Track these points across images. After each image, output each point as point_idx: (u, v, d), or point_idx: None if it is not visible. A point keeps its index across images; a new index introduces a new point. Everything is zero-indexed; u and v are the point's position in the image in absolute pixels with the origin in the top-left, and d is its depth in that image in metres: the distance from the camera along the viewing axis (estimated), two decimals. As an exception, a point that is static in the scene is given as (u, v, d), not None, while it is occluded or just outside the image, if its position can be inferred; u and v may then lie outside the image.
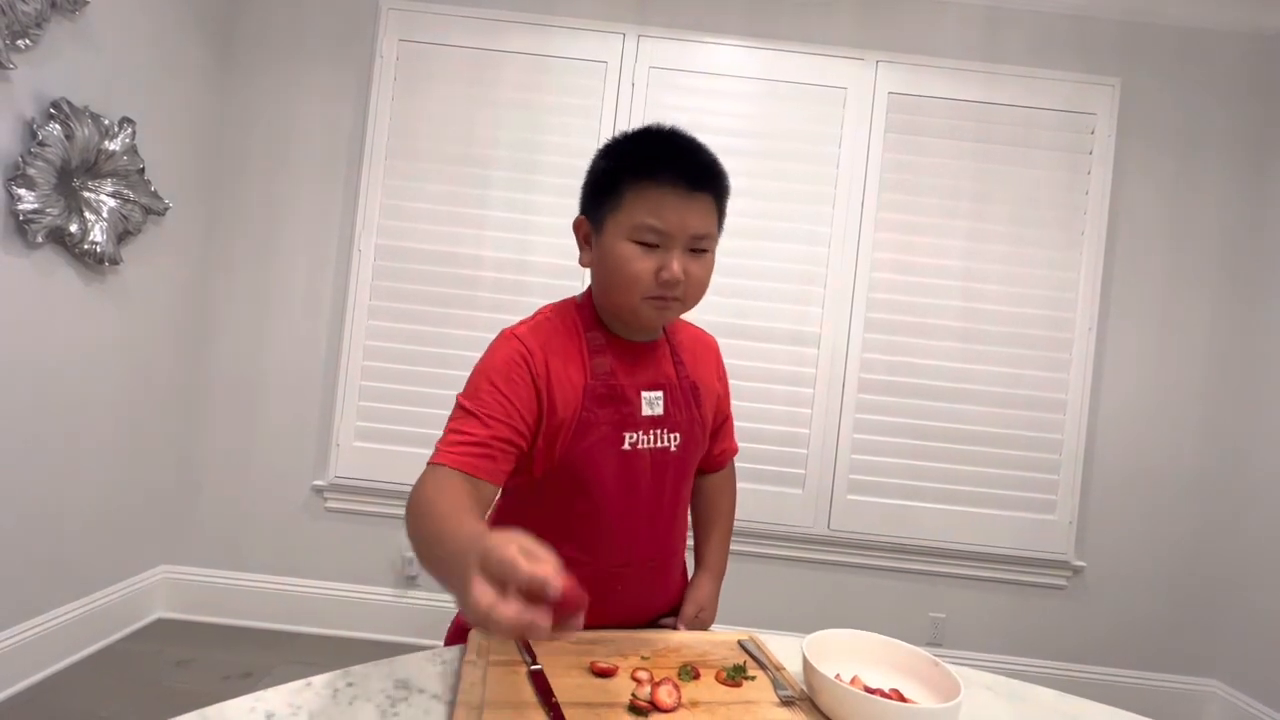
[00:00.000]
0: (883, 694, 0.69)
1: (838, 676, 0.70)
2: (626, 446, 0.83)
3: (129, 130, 1.87)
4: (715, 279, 0.82)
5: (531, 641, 0.77)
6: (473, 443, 0.75)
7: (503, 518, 0.91)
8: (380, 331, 2.27)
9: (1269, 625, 2.12)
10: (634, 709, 0.66)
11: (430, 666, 0.75)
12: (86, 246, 1.79)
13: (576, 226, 0.87)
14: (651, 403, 0.86)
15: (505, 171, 2.27)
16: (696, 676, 0.75)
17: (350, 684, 0.70)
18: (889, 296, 2.27)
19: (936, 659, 0.74)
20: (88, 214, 1.79)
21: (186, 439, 2.29)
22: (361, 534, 2.30)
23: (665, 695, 0.68)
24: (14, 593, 1.75)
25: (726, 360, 1.05)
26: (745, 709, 0.69)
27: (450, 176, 2.27)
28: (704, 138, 0.84)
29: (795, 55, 2.28)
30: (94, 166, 1.80)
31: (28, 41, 1.59)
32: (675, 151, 0.79)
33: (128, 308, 2.00)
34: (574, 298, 0.91)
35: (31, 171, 1.62)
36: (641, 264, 0.78)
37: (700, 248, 0.80)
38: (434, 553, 0.62)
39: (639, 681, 0.71)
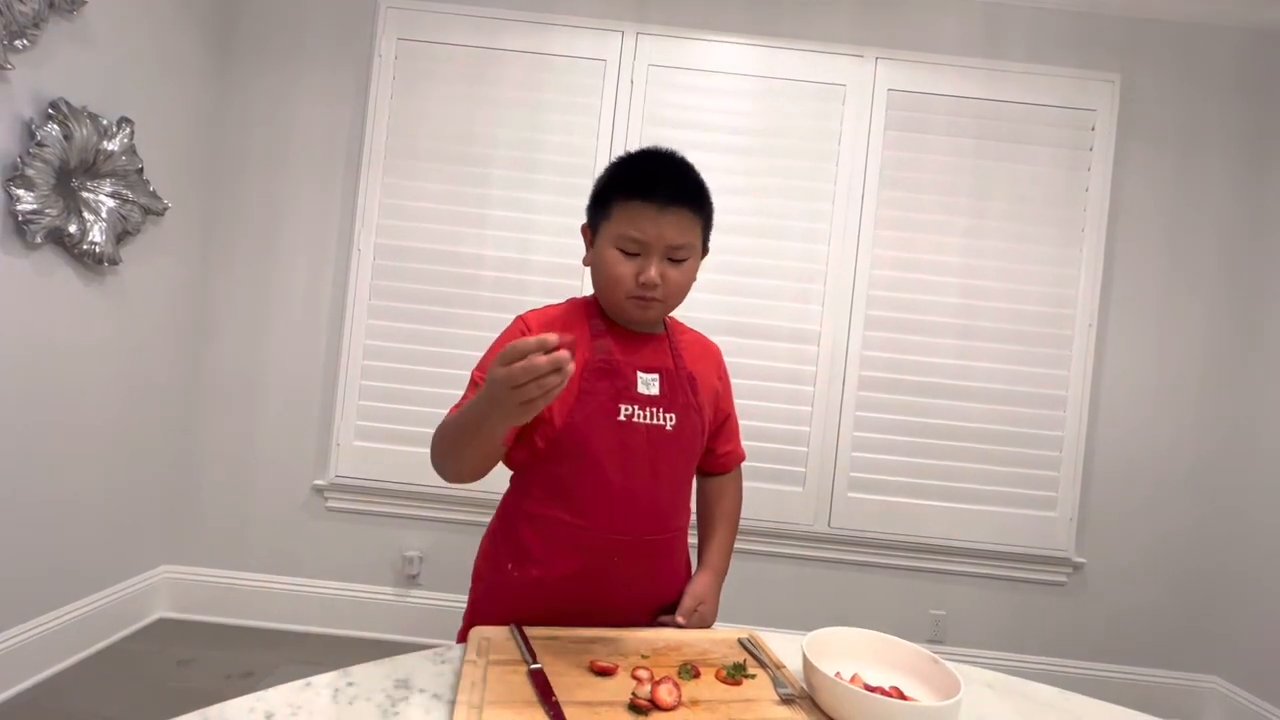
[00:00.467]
0: (883, 692, 0.69)
1: (838, 674, 0.70)
2: (622, 418, 0.90)
3: (127, 130, 1.87)
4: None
5: (531, 641, 0.78)
6: None
7: (511, 489, 1.00)
8: (380, 331, 2.27)
9: (1269, 621, 2.12)
10: (634, 708, 0.66)
11: (430, 666, 0.75)
12: (86, 247, 1.79)
13: (583, 232, 0.98)
14: (647, 383, 0.93)
15: (504, 170, 2.27)
16: (697, 675, 0.75)
17: (350, 684, 0.70)
18: (889, 294, 2.27)
19: (936, 657, 0.74)
20: (86, 214, 1.79)
21: (187, 439, 2.29)
22: (362, 533, 2.30)
23: (665, 694, 0.68)
24: (15, 593, 1.75)
25: (727, 358, 1.11)
26: (745, 707, 0.69)
27: (449, 175, 2.27)
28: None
29: (794, 52, 2.27)
30: (92, 167, 1.80)
31: (25, 42, 1.59)
32: (658, 172, 0.89)
33: (127, 308, 2.00)
34: (589, 295, 1.01)
35: (30, 172, 1.62)
36: (623, 268, 0.89)
37: (678, 257, 0.90)
38: (461, 422, 0.77)
39: (639, 680, 0.71)
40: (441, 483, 0.91)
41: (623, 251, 0.88)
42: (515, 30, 2.27)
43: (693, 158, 0.95)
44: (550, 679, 0.70)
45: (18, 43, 1.57)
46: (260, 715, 0.63)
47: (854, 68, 2.27)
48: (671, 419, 0.93)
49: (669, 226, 0.87)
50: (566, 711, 0.64)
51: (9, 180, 1.60)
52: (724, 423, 1.06)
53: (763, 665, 0.79)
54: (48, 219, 1.67)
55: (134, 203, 1.92)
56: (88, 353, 1.88)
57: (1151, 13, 2.27)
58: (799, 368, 2.26)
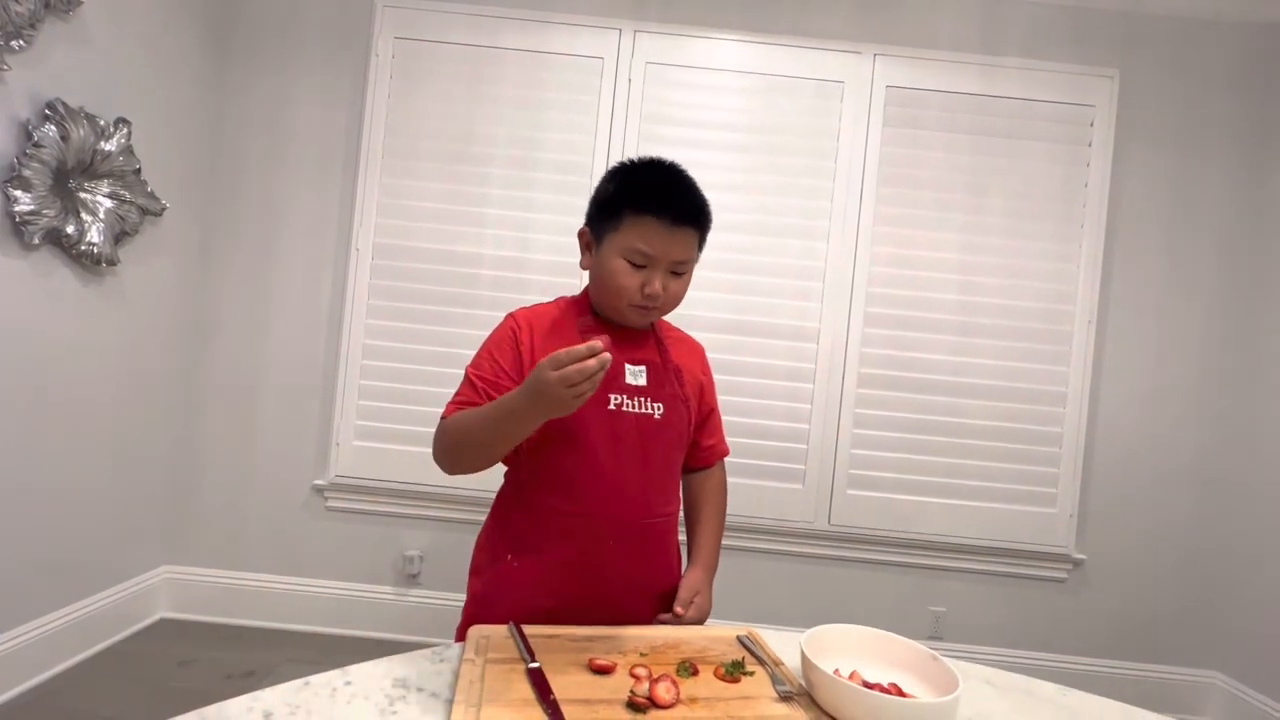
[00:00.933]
0: (881, 689, 0.69)
1: (836, 672, 0.70)
2: (611, 406, 0.94)
3: (124, 130, 1.87)
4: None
5: (529, 639, 0.78)
6: (475, 401, 0.91)
7: (505, 484, 1.03)
8: (379, 330, 2.27)
9: (1270, 616, 2.12)
10: (632, 705, 0.66)
11: (428, 665, 0.75)
12: (84, 247, 1.78)
13: (580, 235, 1.00)
14: (635, 374, 0.97)
15: (503, 169, 2.26)
16: (695, 673, 0.75)
17: (348, 683, 0.70)
18: (888, 290, 2.27)
19: (935, 653, 0.74)
20: (84, 215, 1.79)
21: (187, 439, 2.29)
22: (362, 533, 2.30)
23: (664, 691, 0.68)
24: (16, 594, 1.75)
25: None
26: (744, 704, 0.69)
27: (448, 174, 2.27)
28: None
29: (792, 49, 2.27)
30: (90, 167, 1.79)
31: (21, 43, 1.58)
32: (669, 190, 0.93)
33: (126, 308, 2.00)
34: (577, 294, 1.05)
35: (27, 173, 1.61)
36: (630, 279, 0.92)
37: (680, 270, 0.95)
38: (486, 416, 0.84)
39: (637, 678, 0.71)
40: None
41: (630, 263, 0.92)
42: (512, 29, 2.26)
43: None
44: (549, 677, 0.70)
45: (14, 43, 1.57)
46: (258, 715, 0.63)
47: (852, 64, 2.27)
48: (659, 408, 0.97)
49: (677, 245, 0.92)
50: (565, 710, 0.64)
51: (6, 181, 1.59)
52: (708, 416, 1.10)
53: (761, 662, 0.79)
54: (45, 220, 1.67)
55: (132, 203, 1.92)
56: (87, 353, 1.88)
57: (1150, 8, 2.27)
58: (798, 365, 2.26)
